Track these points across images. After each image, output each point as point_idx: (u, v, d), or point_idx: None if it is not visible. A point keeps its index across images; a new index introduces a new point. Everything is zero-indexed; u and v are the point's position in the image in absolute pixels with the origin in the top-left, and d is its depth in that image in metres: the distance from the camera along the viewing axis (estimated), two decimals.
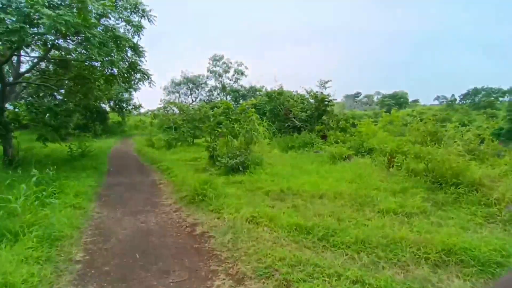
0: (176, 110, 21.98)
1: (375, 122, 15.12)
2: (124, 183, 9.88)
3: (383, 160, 9.23)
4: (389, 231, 4.68)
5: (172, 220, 6.08)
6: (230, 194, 6.85)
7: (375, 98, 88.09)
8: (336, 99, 17.18)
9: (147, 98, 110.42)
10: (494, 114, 47.36)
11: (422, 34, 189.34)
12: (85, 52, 10.80)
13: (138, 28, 11.84)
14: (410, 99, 77.80)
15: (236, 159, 9.38)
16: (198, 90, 43.69)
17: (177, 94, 43.91)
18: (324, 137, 14.94)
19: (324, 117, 16.74)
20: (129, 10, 11.61)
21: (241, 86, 40.73)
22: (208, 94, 43.65)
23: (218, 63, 41.68)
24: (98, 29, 9.76)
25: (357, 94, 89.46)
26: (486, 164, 7.59)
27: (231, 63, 41.89)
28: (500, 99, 65.37)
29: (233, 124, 11.38)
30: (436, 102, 78.08)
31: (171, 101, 30.05)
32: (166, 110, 22.22)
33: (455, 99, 73.23)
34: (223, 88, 41.60)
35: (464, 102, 71.01)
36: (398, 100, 72.32)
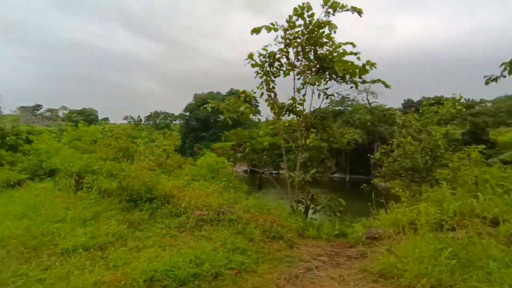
0: None
1: (60, 139, 12.76)
2: None
3: (69, 182, 7.61)
4: (76, 280, 3.45)
5: None
6: None
7: (60, 113, 78.96)
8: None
9: None
10: (171, 134, 57.50)
11: (110, 56, 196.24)
12: None
13: None
14: (100, 117, 77.15)
15: None
16: None
17: None
18: None
19: None
20: None
21: None
22: None
23: None
24: None
25: (38, 107, 76.08)
26: (173, 176, 8.19)
27: None
28: (174, 122, 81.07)
29: None
30: (125, 121, 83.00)
31: None
32: None
33: (141, 120, 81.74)
34: None
35: (148, 123, 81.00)
36: (87, 117, 69.08)
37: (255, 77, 7.30)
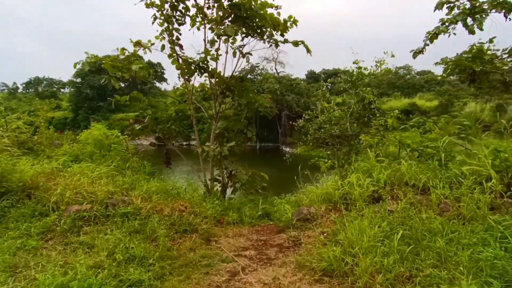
0: None
1: None
2: None
3: None
4: None
5: None
6: None
7: None
8: None
9: None
10: (59, 104, 48.66)
11: None
12: None
13: None
14: None
15: None
16: None
17: None
18: None
19: None
20: None
21: None
22: None
23: None
24: None
25: None
26: (42, 158, 5.99)
27: None
28: (62, 90, 68.54)
29: None
30: None
31: None
32: None
33: (17, 88, 66.85)
34: None
35: (28, 91, 66.83)
36: None
37: (153, 23, 5.53)
